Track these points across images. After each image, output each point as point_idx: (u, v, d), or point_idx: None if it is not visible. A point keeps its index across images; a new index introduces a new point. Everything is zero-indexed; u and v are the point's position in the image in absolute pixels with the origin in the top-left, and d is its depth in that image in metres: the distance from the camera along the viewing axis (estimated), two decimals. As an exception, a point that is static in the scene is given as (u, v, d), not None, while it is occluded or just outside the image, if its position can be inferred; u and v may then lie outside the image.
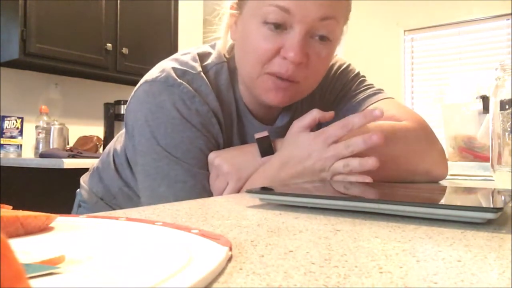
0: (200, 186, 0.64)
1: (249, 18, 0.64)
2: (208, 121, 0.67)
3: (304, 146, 0.59)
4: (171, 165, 0.63)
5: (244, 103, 0.73)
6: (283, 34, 0.62)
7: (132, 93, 0.69)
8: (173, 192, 0.63)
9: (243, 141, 0.73)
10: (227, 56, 0.73)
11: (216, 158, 0.65)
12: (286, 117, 0.77)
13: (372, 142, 0.56)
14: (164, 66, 0.68)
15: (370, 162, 0.56)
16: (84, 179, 0.87)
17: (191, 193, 0.63)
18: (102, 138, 2.65)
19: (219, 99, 0.69)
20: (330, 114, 0.63)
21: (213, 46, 0.74)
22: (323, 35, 0.63)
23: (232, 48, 0.73)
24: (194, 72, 0.67)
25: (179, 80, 0.65)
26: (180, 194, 0.63)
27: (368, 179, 0.56)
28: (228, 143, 0.71)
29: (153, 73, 0.68)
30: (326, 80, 0.78)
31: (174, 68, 0.67)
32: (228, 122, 0.71)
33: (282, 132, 0.75)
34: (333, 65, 0.82)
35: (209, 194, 0.65)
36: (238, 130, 0.72)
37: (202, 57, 0.71)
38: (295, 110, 0.78)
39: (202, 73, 0.68)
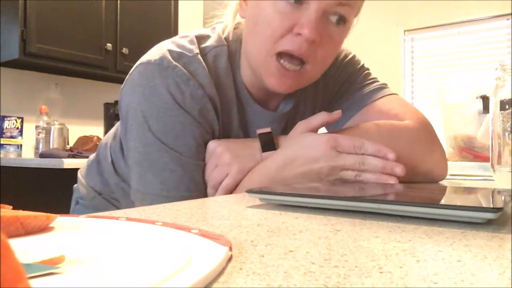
0: (189, 177, 0.62)
1: None
2: (203, 107, 0.64)
3: (313, 148, 0.58)
4: (160, 152, 0.61)
5: (246, 87, 0.70)
6: (298, 11, 0.60)
7: (128, 75, 0.67)
8: (160, 180, 0.61)
9: (245, 127, 0.71)
10: (230, 38, 0.71)
11: (218, 147, 0.63)
12: (289, 104, 0.75)
13: (392, 172, 0.56)
14: (161, 48, 0.65)
15: (398, 171, 0.56)
16: (82, 173, 0.84)
17: (179, 183, 0.61)
18: (102, 138, 2.64)
19: (217, 83, 0.66)
20: (338, 114, 0.63)
21: (213, 30, 0.72)
22: (341, 15, 0.62)
23: (235, 29, 0.71)
24: (190, 54, 0.65)
25: (174, 62, 0.63)
26: (167, 182, 0.61)
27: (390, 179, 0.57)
28: (226, 130, 0.69)
29: (148, 55, 0.65)
30: (332, 68, 0.77)
31: (170, 51, 0.64)
32: (227, 107, 0.68)
33: (285, 118, 0.74)
34: (339, 53, 0.81)
35: (197, 185, 0.63)
36: (239, 116, 0.70)
37: (200, 39, 0.69)
38: (299, 97, 0.76)
39: (199, 56, 0.65)
